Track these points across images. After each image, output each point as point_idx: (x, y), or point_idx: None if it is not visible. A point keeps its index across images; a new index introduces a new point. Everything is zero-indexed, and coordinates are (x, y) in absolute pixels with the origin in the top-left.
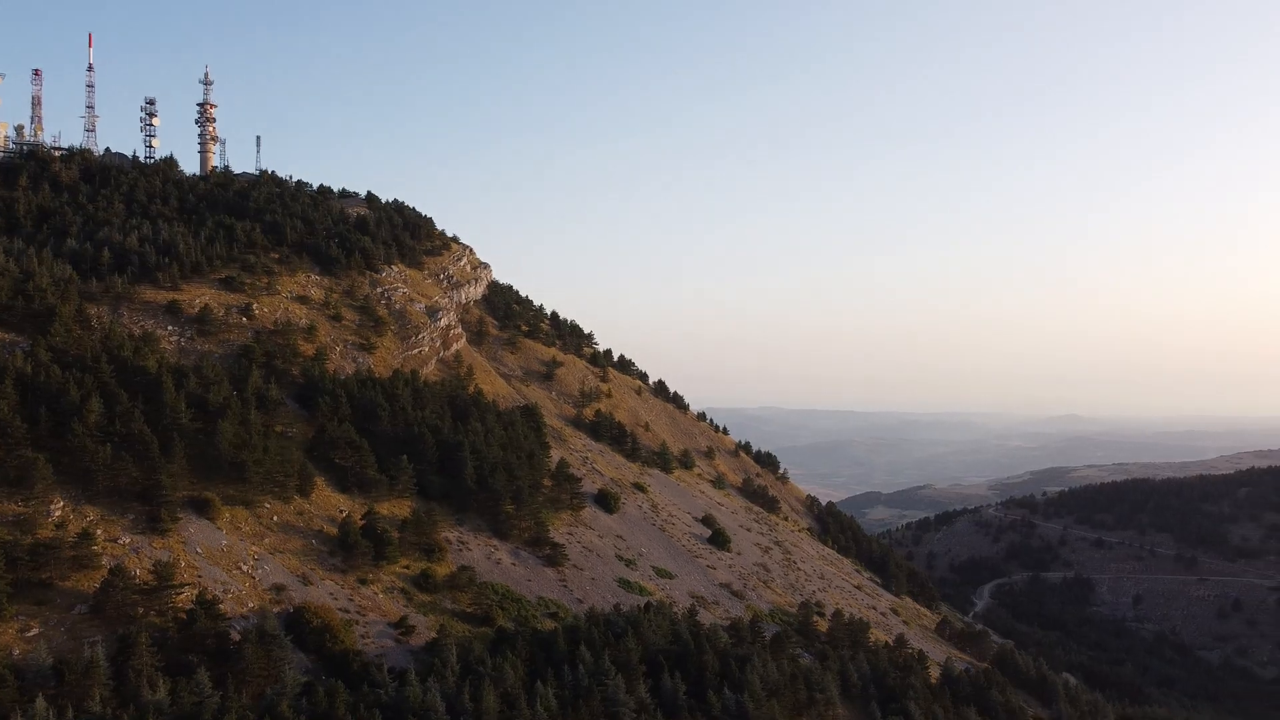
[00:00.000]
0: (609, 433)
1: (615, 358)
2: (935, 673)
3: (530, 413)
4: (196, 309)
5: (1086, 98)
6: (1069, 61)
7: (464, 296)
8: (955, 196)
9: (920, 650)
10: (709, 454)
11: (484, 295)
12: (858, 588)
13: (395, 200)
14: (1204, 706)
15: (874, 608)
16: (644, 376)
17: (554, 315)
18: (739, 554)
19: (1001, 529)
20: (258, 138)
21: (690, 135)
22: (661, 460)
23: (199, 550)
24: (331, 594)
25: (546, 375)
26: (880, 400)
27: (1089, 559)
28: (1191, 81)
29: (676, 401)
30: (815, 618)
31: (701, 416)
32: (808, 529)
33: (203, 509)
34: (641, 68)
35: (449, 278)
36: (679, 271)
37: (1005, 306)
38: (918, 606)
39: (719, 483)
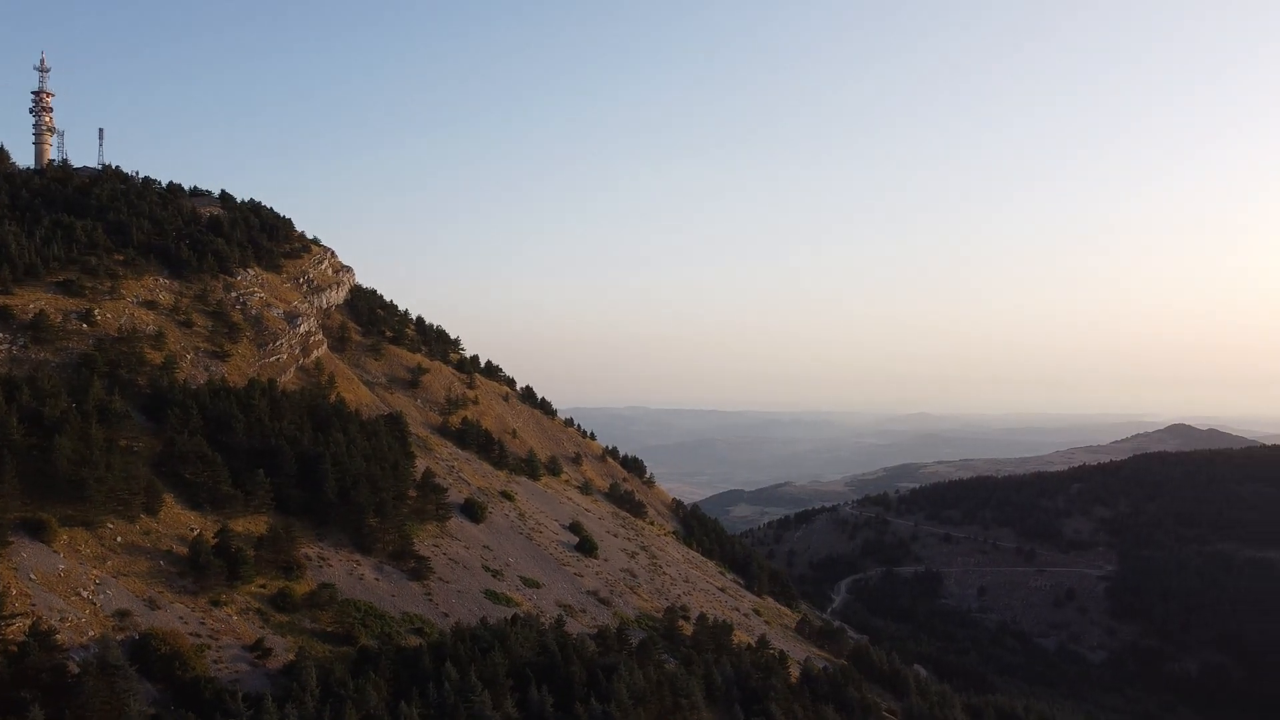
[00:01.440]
0: (476, 440)
1: (483, 364)
2: (796, 672)
3: (395, 421)
4: (30, 315)
5: (933, 102)
6: (903, 67)
7: (325, 301)
8: (816, 198)
9: (781, 650)
10: (576, 460)
11: (347, 300)
12: (721, 590)
13: (252, 200)
14: (1041, 691)
15: (737, 609)
16: (511, 382)
17: (419, 320)
18: (606, 560)
19: (858, 526)
20: (100, 130)
21: (571, 132)
22: (529, 467)
23: (33, 576)
24: (181, 618)
25: (412, 382)
26: (743, 400)
27: (938, 553)
28: (1056, 84)
29: (544, 408)
30: (680, 622)
31: (569, 422)
32: (673, 532)
33: (37, 531)
34: (460, 63)
35: (309, 282)
36: (548, 272)
37: (860, 309)
38: (779, 606)
39: (586, 489)
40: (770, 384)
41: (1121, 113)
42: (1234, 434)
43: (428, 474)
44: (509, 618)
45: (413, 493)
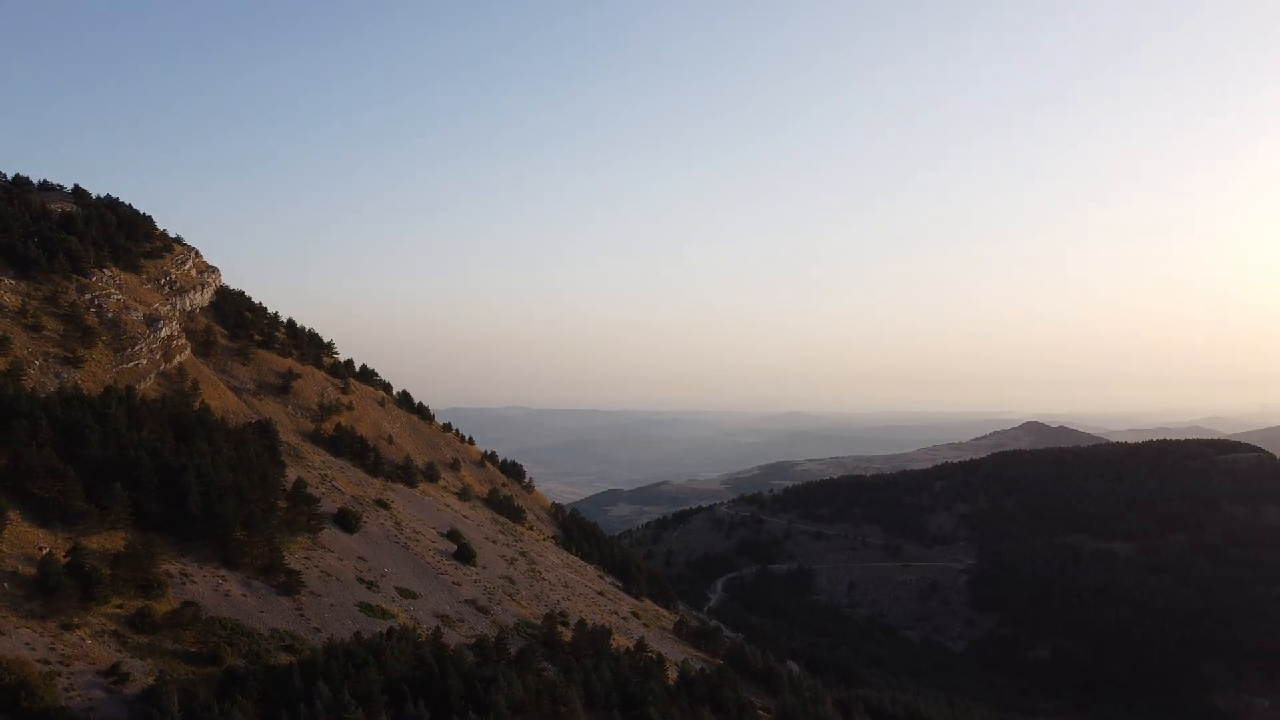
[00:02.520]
0: (350, 448)
1: (358, 368)
2: (673, 674)
3: (264, 429)
4: None
5: (784, 107)
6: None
7: (189, 303)
8: (692, 198)
9: (659, 653)
10: (455, 465)
11: (212, 302)
12: (600, 594)
13: (108, 196)
14: (907, 682)
15: (616, 613)
16: (387, 387)
17: (291, 323)
18: (485, 568)
19: (733, 526)
20: None
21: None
22: (406, 474)
23: None
24: (28, 643)
25: (282, 388)
26: (623, 399)
27: (810, 550)
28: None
29: (421, 412)
30: (560, 628)
31: (447, 427)
32: (553, 537)
33: None
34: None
35: (171, 283)
36: (425, 272)
37: (734, 310)
38: (657, 608)
39: (465, 495)
40: (649, 383)
41: (972, 120)
42: (1082, 431)
43: (299, 484)
44: (385, 631)
45: (283, 504)
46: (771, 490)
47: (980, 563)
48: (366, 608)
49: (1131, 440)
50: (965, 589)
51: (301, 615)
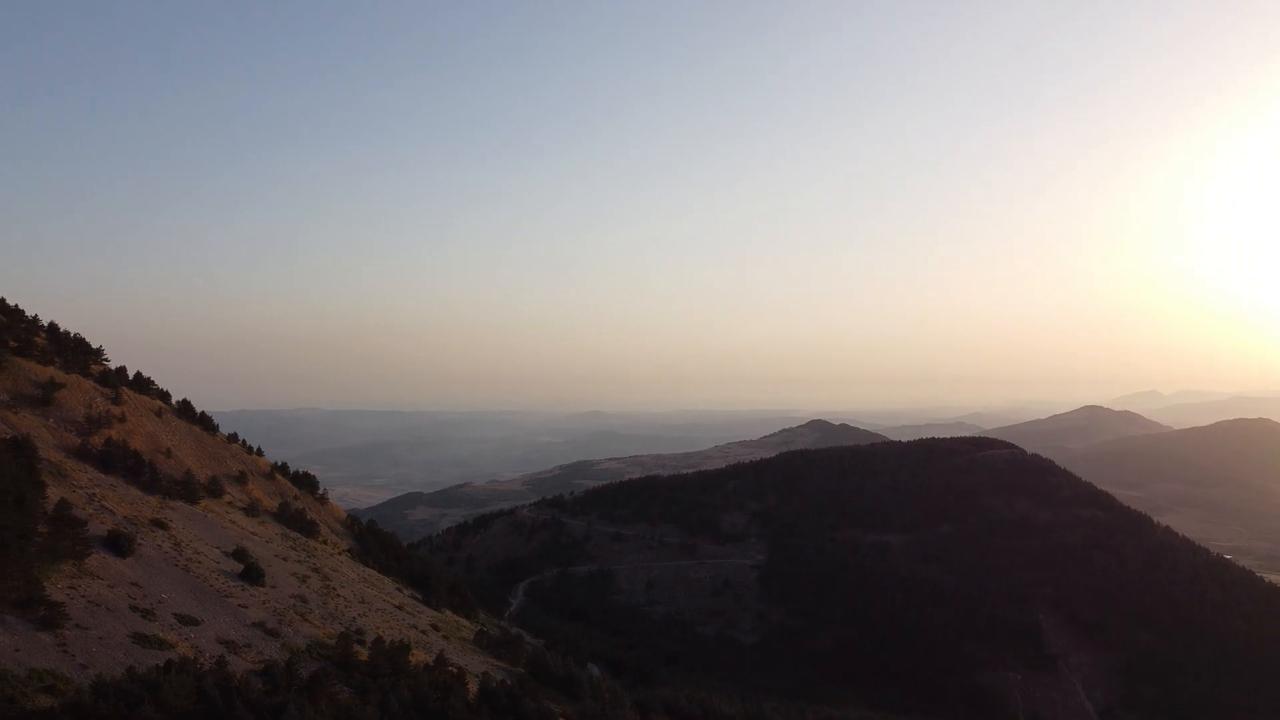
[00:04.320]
0: (123, 463)
1: (131, 376)
2: (474, 687)
3: (20, 446)
4: None
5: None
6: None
7: None
8: (491, 200)
9: (460, 666)
10: (241, 479)
11: None
12: (399, 607)
13: None
14: (702, 677)
15: (415, 626)
16: (166, 396)
17: (53, 328)
18: (275, 587)
19: (534, 528)
20: None
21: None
22: (187, 490)
23: None
24: None
25: (43, 400)
26: (421, 400)
27: (610, 551)
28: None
29: (204, 423)
30: (356, 647)
31: (233, 438)
32: (348, 550)
33: None
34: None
35: None
36: (207, 268)
37: (532, 309)
38: (458, 618)
39: (253, 510)
40: (449, 384)
41: (775, 123)
42: (861, 428)
43: (63, 505)
44: (162, 663)
45: (43, 528)
46: (572, 492)
47: (770, 558)
48: (141, 638)
49: (905, 436)
50: (756, 584)
51: (66, 651)
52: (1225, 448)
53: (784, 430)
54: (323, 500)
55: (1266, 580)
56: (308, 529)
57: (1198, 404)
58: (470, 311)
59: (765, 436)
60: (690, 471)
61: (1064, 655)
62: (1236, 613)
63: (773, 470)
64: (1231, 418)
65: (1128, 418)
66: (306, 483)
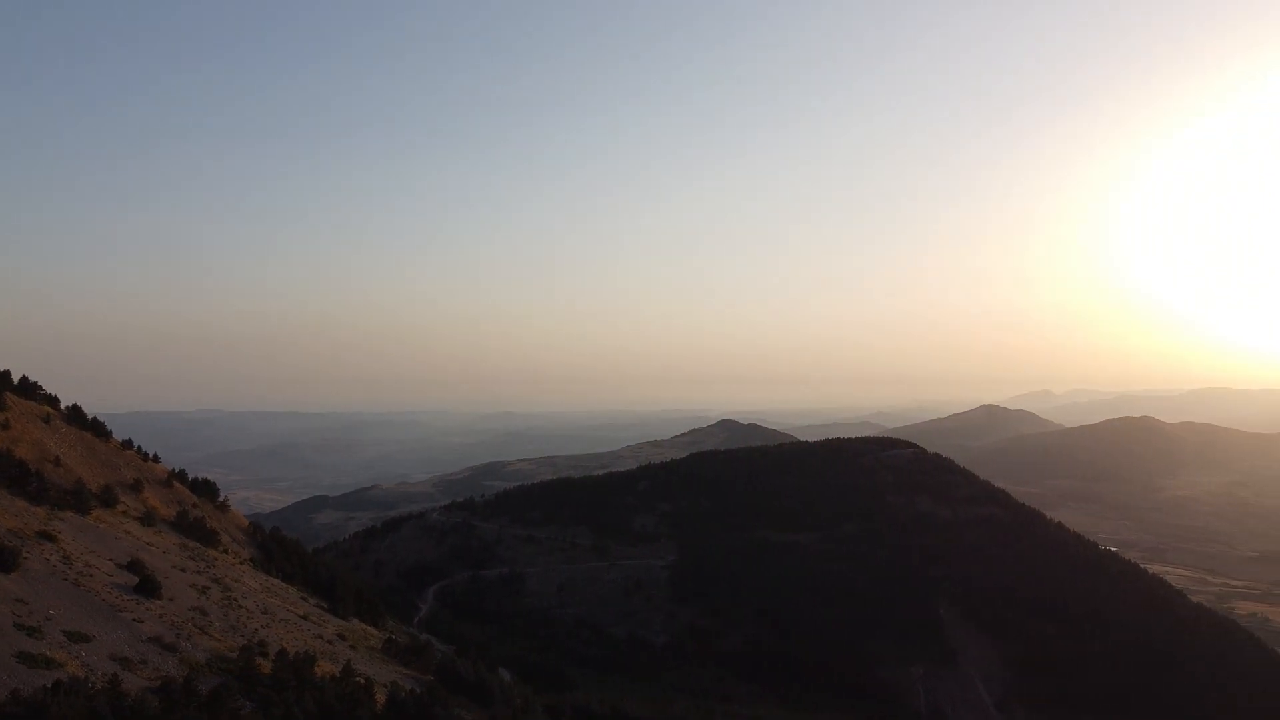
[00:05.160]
0: (7, 473)
1: (15, 380)
2: (383, 697)
3: None
4: None
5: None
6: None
7: None
8: (378, 194)
9: (368, 676)
10: (137, 487)
11: None
12: (304, 617)
13: None
14: (613, 678)
15: (321, 636)
16: (54, 400)
17: None
18: (172, 600)
19: (445, 532)
20: None
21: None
22: (77, 500)
23: None
24: None
25: None
26: (328, 401)
27: (522, 554)
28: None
29: (96, 429)
30: (259, 659)
31: (128, 444)
32: (250, 559)
33: None
34: None
35: None
36: (89, 263)
37: (445, 308)
38: (365, 626)
39: (149, 519)
40: (358, 385)
41: (664, 123)
42: (769, 428)
43: None
44: (50, 684)
45: None
46: (484, 494)
47: (680, 559)
48: (28, 658)
49: (812, 435)
50: (667, 585)
51: None
52: (1112, 445)
53: (694, 430)
54: (223, 508)
55: (1150, 571)
56: (207, 538)
57: (1087, 403)
58: (379, 311)
59: (676, 436)
60: (602, 472)
61: (963, 649)
62: (1124, 604)
63: (684, 471)
64: (1118, 416)
65: (1023, 416)
66: (206, 490)
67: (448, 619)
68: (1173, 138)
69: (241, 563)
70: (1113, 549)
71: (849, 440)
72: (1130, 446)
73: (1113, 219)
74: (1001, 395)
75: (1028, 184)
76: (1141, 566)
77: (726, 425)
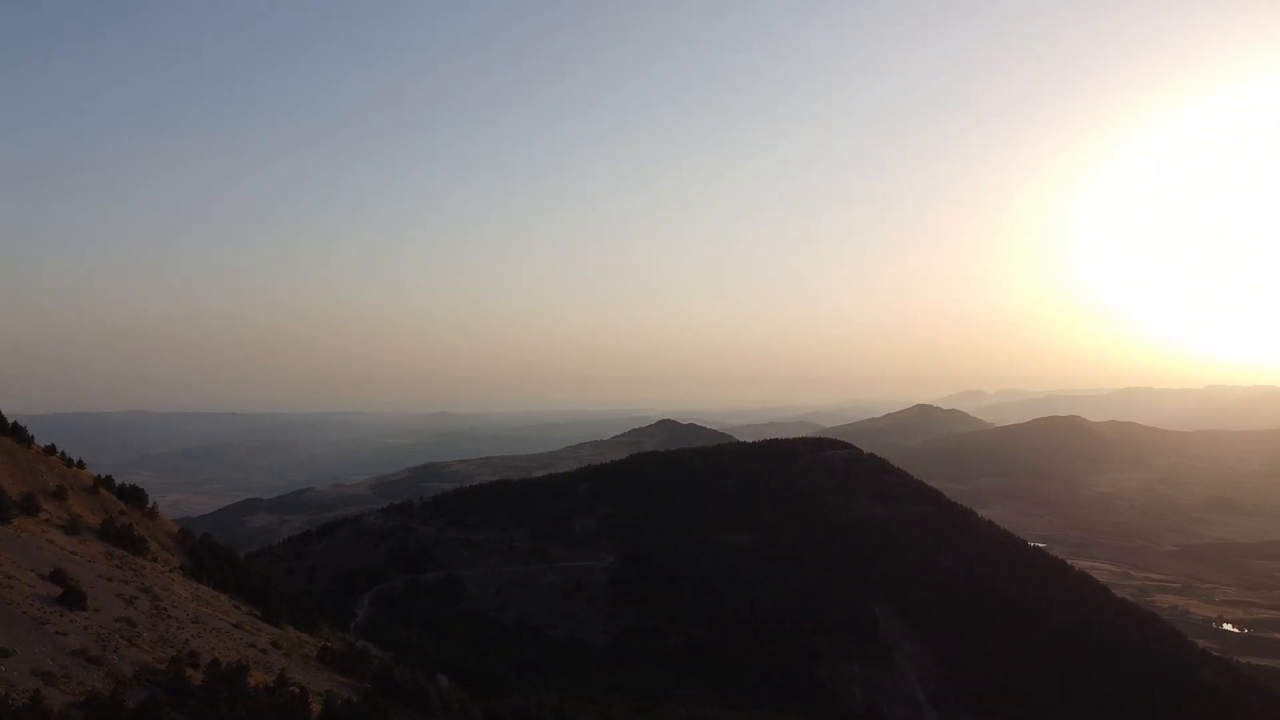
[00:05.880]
0: None
1: None
2: (318, 707)
3: None
4: None
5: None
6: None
7: None
8: (310, 191)
9: (303, 685)
10: (60, 494)
11: None
12: (237, 626)
13: None
14: (554, 682)
15: (254, 645)
16: None
17: None
18: (98, 611)
19: (382, 536)
20: None
21: None
22: None
23: None
24: None
25: None
26: (261, 401)
27: (460, 557)
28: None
29: (16, 434)
30: (189, 671)
31: (51, 450)
32: (180, 567)
33: None
34: None
35: None
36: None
37: (377, 306)
38: (300, 634)
39: (74, 528)
40: (293, 385)
41: (599, 118)
42: (708, 428)
43: None
44: None
45: None
46: (421, 497)
47: (621, 560)
48: None
49: (750, 435)
50: (607, 587)
51: None
52: (1041, 443)
53: (634, 430)
54: (152, 514)
55: (1076, 567)
56: (135, 546)
57: (1015, 403)
58: (314, 309)
59: (616, 436)
60: (542, 474)
61: (898, 646)
62: (1052, 600)
63: (624, 472)
64: (1046, 415)
65: (956, 416)
66: (134, 496)
67: (385, 624)
68: (1105, 138)
69: (171, 571)
70: (1041, 545)
71: (787, 441)
72: (1058, 445)
73: (1043, 224)
74: (934, 395)
75: (958, 189)
76: (1068, 562)
77: (666, 425)
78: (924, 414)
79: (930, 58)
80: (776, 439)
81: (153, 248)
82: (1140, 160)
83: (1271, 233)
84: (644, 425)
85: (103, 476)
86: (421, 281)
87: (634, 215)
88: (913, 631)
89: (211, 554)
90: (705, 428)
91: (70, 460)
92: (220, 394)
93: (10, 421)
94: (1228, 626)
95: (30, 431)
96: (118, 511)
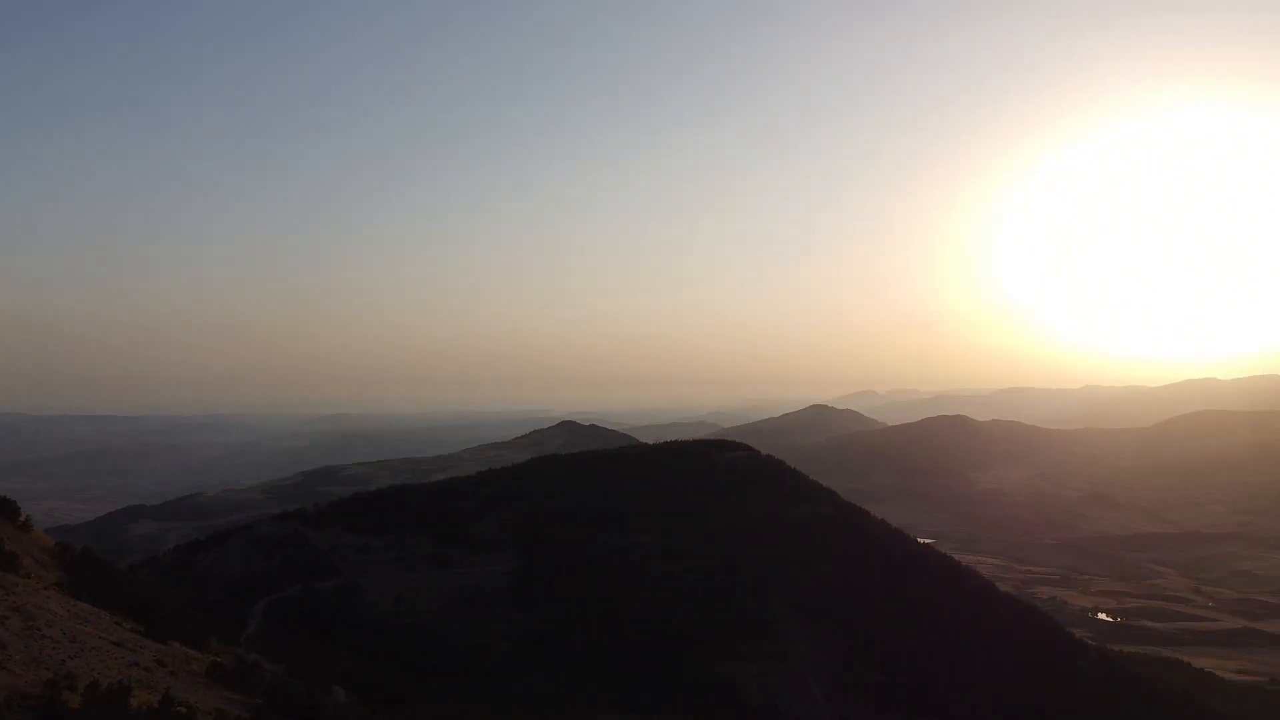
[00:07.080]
0: None
1: None
2: None
3: None
4: None
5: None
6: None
7: None
8: (176, 185)
9: (190, 704)
10: None
11: None
12: (118, 644)
13: None
14: (453, 690)
15: (138, 664)
16: None
17: None
18: None
19: (275, 543)
20: None
21: None
22: None
23: None
24: None
25: None
26: (145, 403)
27: (357, 564)
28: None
29: None
30: (66, 694)
31: None
32: (57, 583)
33: None
34: None
35: None
36: None
37: (275, 306)
38: (187, 650)
39: None
40: (179, 385)
41: (534, 113)
42: (610, 429)
43: None
44: None
45: None
46: (317, 502)
47: (522, 565)
48: None
49: (651, 436)
50: (508, 592)
51: None
52: (930, 442)
53: (535, 431)
54: (25, 528)
55: (963, 562)
56: (7, 562)
57: (905, 403)
58: (202, 306)
59: (517, 438)
60: (442, 476)
61: (795, 644)
62: (940, 595)
63: (525, 475)
64: (935, 414)
65: (850, 415)
66: (4, 509)
67: (279, 636)
68: (1003, 140)
69: (46, 587)
70: (930, 541)
71: (687, 442)
72: (946, 443)
73: (938, 228)
74: (829, 395)
75: (850, 192)
76: (954, 558)
77: (567, 427)
78: (820, 414)
79: (813, 60)
80: (678, 440)
81: (25, 242)
82: (1032, 162)
83: (1146, 236)
84: (545, 426)
85: None
86: (316, 278)
87: (527, 214)
88: (809, 629)
89: (92, 567)
90: (607, 429)
91: None
92: (101, 395)
93: None
94: (1102, 615)
95: None
96: None
